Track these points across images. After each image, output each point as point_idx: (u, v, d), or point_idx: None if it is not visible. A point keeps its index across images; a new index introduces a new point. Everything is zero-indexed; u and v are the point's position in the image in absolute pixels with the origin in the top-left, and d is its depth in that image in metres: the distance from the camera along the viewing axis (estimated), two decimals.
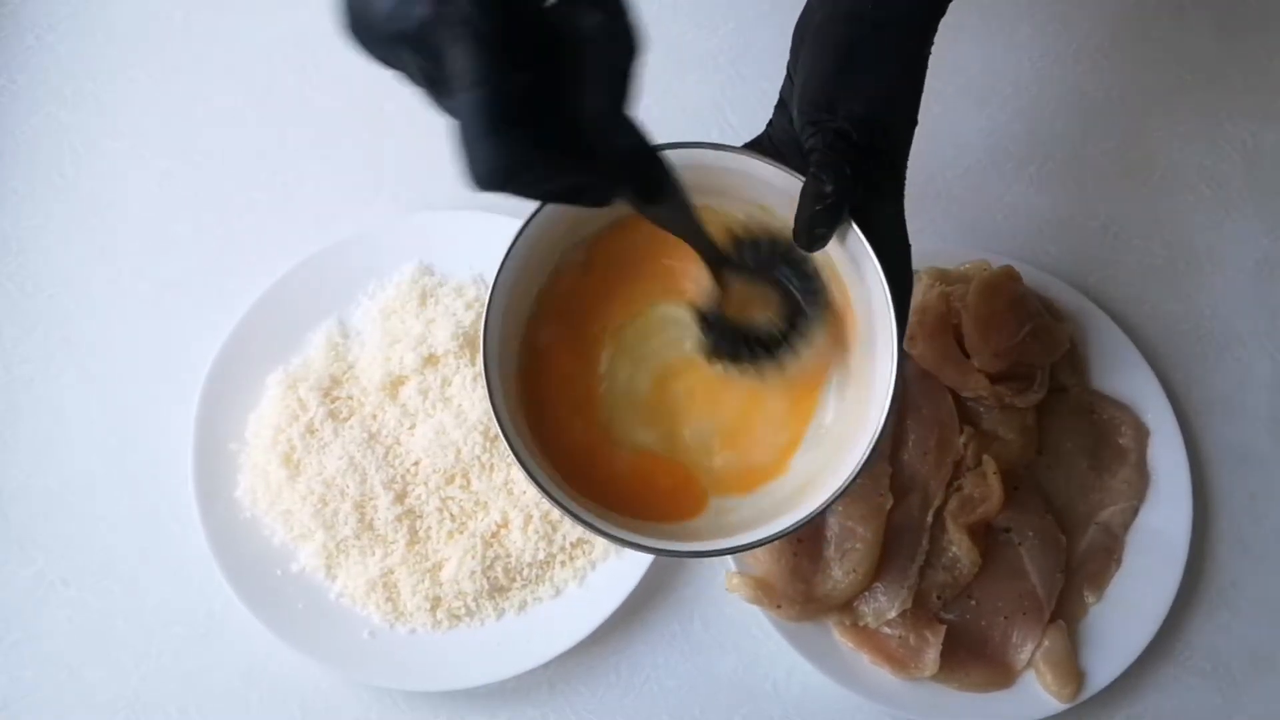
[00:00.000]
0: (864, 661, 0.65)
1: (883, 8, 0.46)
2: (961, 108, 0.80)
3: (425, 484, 0.67)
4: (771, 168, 0.46)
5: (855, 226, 0.45)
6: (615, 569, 0.67)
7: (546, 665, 0.65)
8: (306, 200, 0.76)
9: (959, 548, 0.67)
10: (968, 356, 0.69)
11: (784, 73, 0.51)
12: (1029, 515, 0.68)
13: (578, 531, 0.67)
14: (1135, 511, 0.70)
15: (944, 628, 0.66)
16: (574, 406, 0.49)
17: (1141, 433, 0.71)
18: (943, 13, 0.48)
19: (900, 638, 0.65)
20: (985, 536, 0.68)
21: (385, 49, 0.35)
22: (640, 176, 0.40)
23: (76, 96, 0.78)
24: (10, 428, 0.71)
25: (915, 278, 0.64)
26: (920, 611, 0.66)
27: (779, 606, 0.65)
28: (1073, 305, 0.73)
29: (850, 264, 0.46)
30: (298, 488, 0.67)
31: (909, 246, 0.48)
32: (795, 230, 0.45)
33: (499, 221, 0.71)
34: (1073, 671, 0.65)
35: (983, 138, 0.79)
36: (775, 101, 0.52)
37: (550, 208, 0.46)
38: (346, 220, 0.74)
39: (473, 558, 0.66)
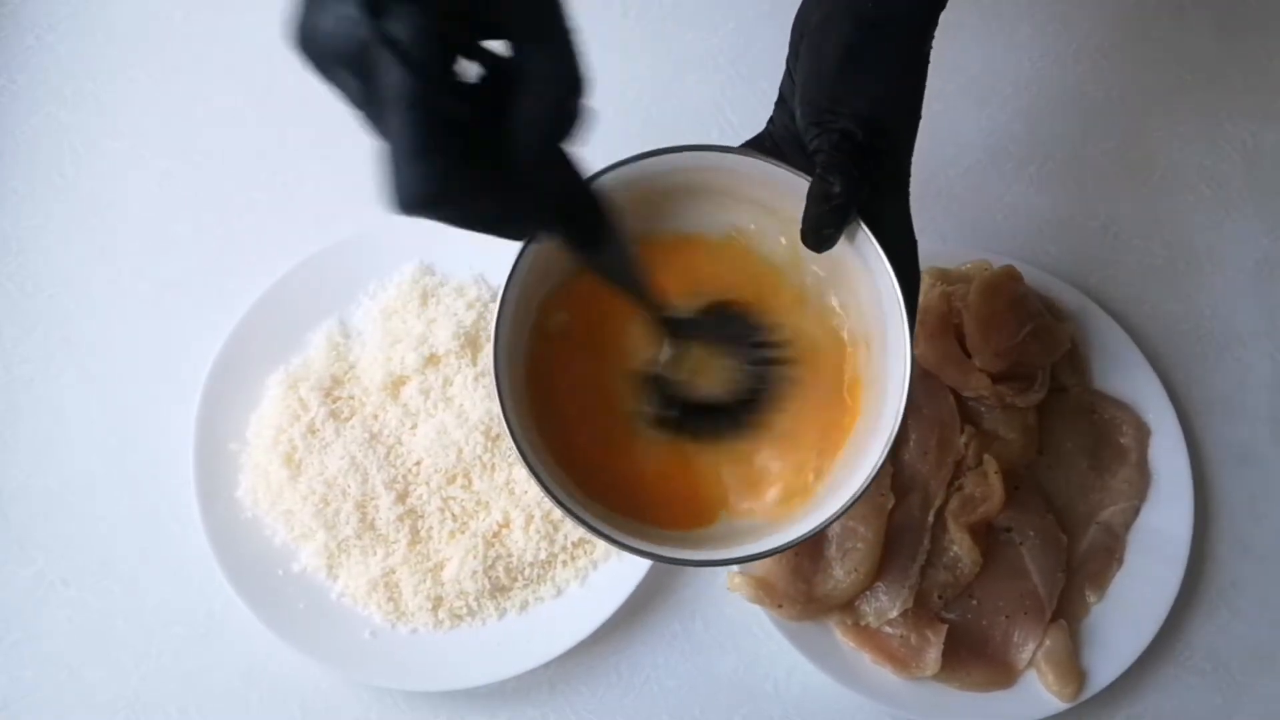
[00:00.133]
0: (865, 661, 0.65)
1: (883, 5, 0.46)
2: (961, 107, 0.80)
3: (427, 484, 0.67)
4: (776, 168, 0.45)
5: (863, 226, 0.45)
6: (617, 569, 0.67)
7: (547, 665, 0.65)
8: (306, 200, 0.76)
9: (960, 547, 0.67)
10: (969, 356, 0.69)
11: (783, 71, 0.51)
12: (1030, 515, 0.68)
13: (579, 531, 0.67)
14: (1136, 511, 0.70)
15: (945, 627, 0.66)
16: (583, 412, 0.49)
17: (1142, 432, 0.71)
18: (942, 7, 0.48)
19: (901, 637, 0.65)
20: (986, 536, 0.68)
21: (326, 66, 0.35)
22: (572, 218, 0.40)
23: (76, 96, 0.78)
24: (10, 428, 0.71)
25: None
26: (921, 611, 0.66)
27: (780, 606, 0.65)
28: (1073, 305, 0.73)
29: (859, 263, 0.46)
30: (299, 488, 0.67)
31: (915, 243, 0.48)
32: (803, 231, 0.45)
33: None
34: (1074, 671, 0.65)
35: (983, 138, 0.79)
36: (775, 100, 0.52)
37: None
38: (346, 220, 0.74)
39: (474, 557, 0.66)
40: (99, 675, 0.67)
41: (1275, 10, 0.84)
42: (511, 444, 0.43)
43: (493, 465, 0.68)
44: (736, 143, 0.49)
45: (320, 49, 0.35)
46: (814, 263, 0.49)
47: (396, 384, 0.69)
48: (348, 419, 0.69)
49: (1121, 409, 0.71)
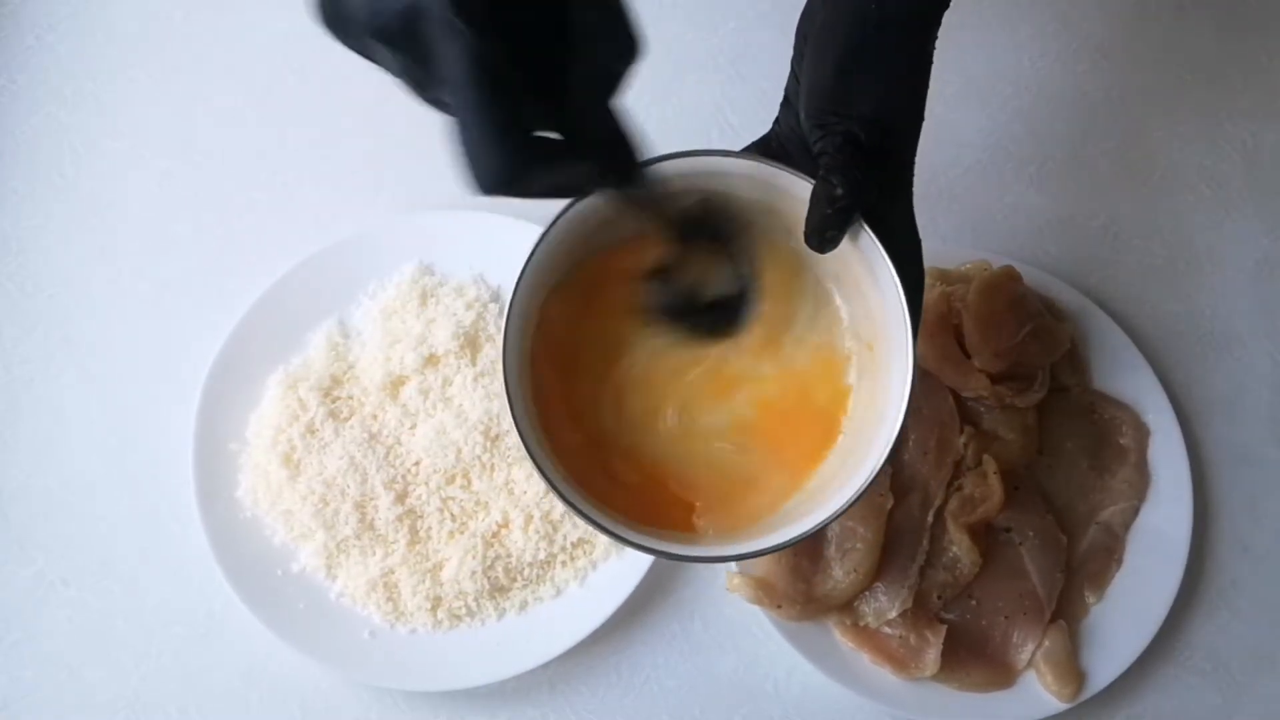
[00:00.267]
0: (864, 661, 0.65)
1: (886, 6, 0.46)
2: (961, 108, 0.80)
3: (426, 484, 0.67)
4: (780, 171, 0.45)
5: (866, 227, 0.45)
6: (616, 569, 0.67)
7: (547, 665, 0.65)
8: (306, 200, 0.76)
9: (959, 547, 0.67)
10: (968, 356, 0.69)
11: (785, 72, 0.51)
12: (1029, 515, 0.68)
13: (579, 531, 0.67)
14: (1136, 511, 0.70)
15: (944, 628, 0.66)
16: (580, 416, 0.49)
17: (1142, 432, 0.71)
18: (945, 7, 0.48)
19: (901, 637, 0.65)
20: (986, 536, 0.68)
21: (362, 43, 0.35)
22: (618, 165, 0.41)
23: (76, 96, 0.78)
24: (10, 428, 0.71)
25: None
26: (921, 611, 0.66)
27: (779, 606, 0.65)
28: (1073, 305, 0.73)
29: (863, 265, 0.46)
30: (298, 488, 0.67)
31: (919, 243, 0.48)
32: (806, 233, 0.45)
33: (500, 221, 0.71)
34: (1073, 671, 0.65)
35: (983, 138, 0.79)
36: (775, 101, 0.51)
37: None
38: (346, 220, 0.74)
39: (473, 558, 0.66)
40: (99, 675, 0.67)
41: (1275, 10, 0.84)
42: (518, 439, 0.43)
43: (492, 465, 0.68)
44: (737, 144, 0.49)
45: (355, 25, 0.34)
46: (818, 264, 0.49)
47: (396, 384, 0.70)
48: (347, 419, 0.69)
49: (1121, 409, 0.71)
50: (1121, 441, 0.71)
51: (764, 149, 0.49)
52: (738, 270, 0.49)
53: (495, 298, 0.72)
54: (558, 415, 0.48)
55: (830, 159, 0.44)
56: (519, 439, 0.43)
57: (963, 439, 0.68)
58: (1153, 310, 0.76)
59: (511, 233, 0.71)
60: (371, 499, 0.67)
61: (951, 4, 0.49)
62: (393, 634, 0.66)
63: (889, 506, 0.67)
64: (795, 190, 0.45)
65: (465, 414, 0.68)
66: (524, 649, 0.65)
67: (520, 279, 0.44)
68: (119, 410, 0.71)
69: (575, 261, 0.49)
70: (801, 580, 0.65)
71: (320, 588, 0.67)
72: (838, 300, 0.50)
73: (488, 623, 0.66)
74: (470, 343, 0.70)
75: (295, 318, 0.71)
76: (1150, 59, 0.82)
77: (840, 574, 0.65)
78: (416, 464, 0.68)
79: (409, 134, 0.75)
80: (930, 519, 0.67)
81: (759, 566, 0.66)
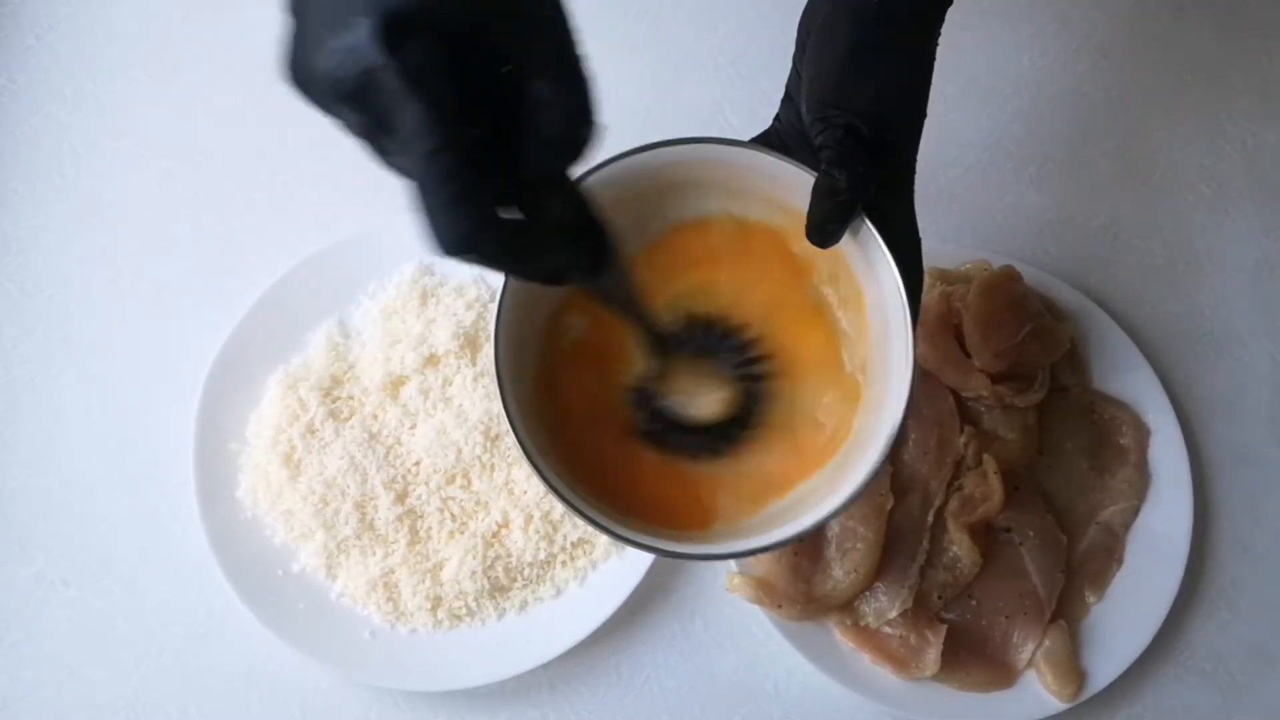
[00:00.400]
0: (865, 661, 0.65)
1: (889, 2, 0.46)
2: (961, 108, 0.80)
3: (426, 484, 0.67)
4: (783, 163, 0.45)
5: (868, 222, 0.45)
6: (616, 569, 0.67)
7: (547, 665, 0.65)
8: (306, 200, 0.76)
9: (960, 547, 0.67)
10: (968, 356, 0.69)
11: (785, 72, 0.51)
12: (1030, 515, 0.68)
13: (579, 531, 0.67)
14: (1136, 511, 0.70)
15: (945, 627, 0.66)
16: (587, 416, 0.49)
17: (1142, 432, 0.71)
18: (949, 4, 0.48)
19: (901, 637, 0.65)
20: (986, 536, 0.68)
21: (327, 102, 0.35)
22: (581, 248, 0.40)
23: (76, 96, 0.78)
24: (10, 428, 0.71)
25: None
26: (921, 611, 0.66)
27: (780, 606, 0.65)
28: (1073, 305, 0.73)
29: (863, 259, 0.46)
30: (298, 488, 0.67)
31: (919, 240, 0.47)
32: (807, 226, 0.45)
33: None
34: (1074, 671, 0.65)
35: (983, 138, 0.79)
36: (775, 101, 0.51)
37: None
38: (346, 220, 0.74)
39: (473, 558, 0.66)
40: (99, 675, 0.67)
41: (1275, 10, 0.84)
42: (514, 440, 0.43)
43: (492, 465, 0.68)
44: None
45: (322, 84, 0.34)
46: (818, 258, 0.49)
47: (396, 384, 0.69)
48: (347, 419, 0.69)
49: (1121, 409, 0.71)
50: (1121, 441, 0.71)
51: (765, 144, 0.49)
52: (737, 386, 0.48)
53: (495, 298, 0.72)
54: (566, 416, 0.48)
55: (832, 152, 0.44)
56: (514, 440, 0.43)
57: (963, 439, 0.68)
58: (1153, 310, 0.76)
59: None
60: (372, 499, 0.67)
61: (954, 4, 0.49)
62: (393, 634, 0.66)
63: (889, 506, 0.67)
64: (797, 182, 0.45)
65: (465, 414, 0.68)
66: (524, 649, 0.65)
67: (503, 295, 0.44)
68: (119, 410, 0.71)
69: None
70: (802, 580, 0.65)
71: (320, 588, 0.67)
72: (834, 302, 0.50)
73: (488, 623, 0.66)
74: (470, 343, 0.70)
75: (295, 318, 0.71)
76: (1150, 59, 0.82)
77: (840, 574, 0.65)
78: (417, 464, 0.68)
79: None
80: (930, 519, 0.67)
81: (759, 566, 0.66)
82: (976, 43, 0.81)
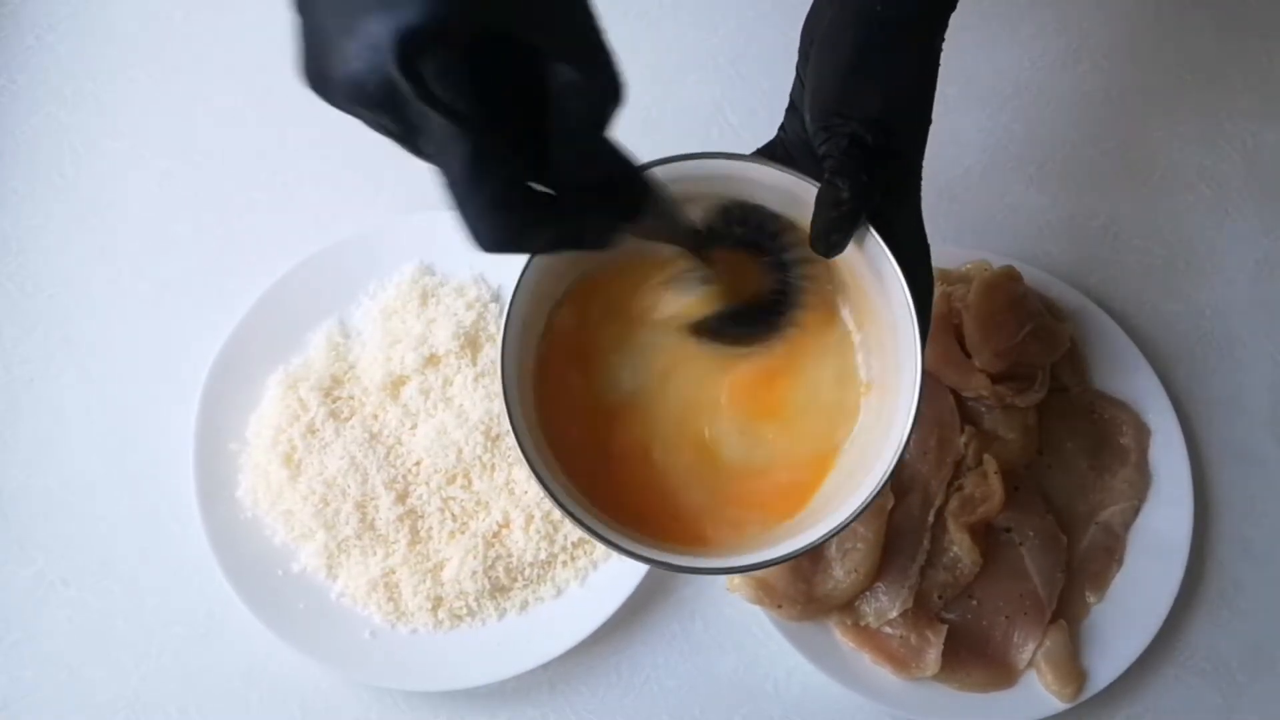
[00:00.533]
0: (865, 661, 0.65)
1: (892, 7, 0.46)
2: (961, 108, 0.80)
3: (426, 484, 0.67)
4: (786, 175, 0.45)
5: (873, 231, 0.44)
6: (616, 569, 0.67)
7: (547, 665, 0.65)
8: (306, 200, 0.76)
9: (960, 547, 0.67)
10: (968, 356, 0.69)
11: (785, 72, 0.51)
12: (1030, 515, 0.68)
13: (579, 532, 0.67)
14: (1136, 511, 0.70)
15: (945, 627, 0.66)
16: (586, 421, 0.49)
17: (1142, 432, 0.71)
18: (952, 9, 0.48)
19: (901, 637, 0.65)
20: (986, 536, 0.68)
21: (349, 106, 0.35)
22: (622, 201, 0.40)
23: (76, 96, 0.78)
24: (10, 428, 0.71)
25: None
26: (921, 611, 0.66)
27: (780, 606, 0.65)
28: (1073, 305, 0.73)
29: (870, 270, 0.46)
30: (299, 488, 0.67)
31: (928, 247, 0.47)
32: (812, 237, 0.44)
33: None
34: (1074, 671, 0.65)
35: (983, 138, 0.79)
36: (775, 101, 0.51)
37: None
38: (346, 220, 0.74)
39: (474, 558, 0.66)
40: (99, 675, 0.67)
41: (1275, 10, 0.84)
42: (515, 443, 0.43)
43: (492, 465, 0.68)
44: (737, 144, 0.49)
45: (342, 90, 0.34)
46: (823, 269, 0.48)
47: (396, 384, 0.69)
48: (347, 419, 0.69)
49: (1121, 409, 0.71)
50: (1122, 441, 0.71)
51: (769, 155, 0.49)
52: (776, 274, 0.48)
53: (495, 298, 0.72)
54: (567, 417, 0.48)
55: (835, 162, 0.44)
56: (517, 446, 0.43)
57: (963, 439, 0.68)
58: (1153, 310, 0.76)
59: None
60: (372, 499, 0.67)
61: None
62: (393, 634, 0.66)
63: (889, 506, 0.67)
64: (802, 194, 0.45)
65: (466, 414, 0.68)
66: (524, 649, 0.65)
67: (517, 287, 0.44)
68: (119, 410, 0.71)
69: (582, 272, 0.49)
70: (802, 580, 0.65)
71: (321, 588, 0.67)
72: (843, 310, 0.49)
73: (488, 623, 0.66)
74: (471, 343, 0.70)
75: (295, 318, 0.71)
76: (1150, 59, 0.82)
77: (841, 574, 0.65)
78: (417, 464, 0.68)
79: None
80: (931, 519, 0.67)
81: None
82: (976, 43, 0.81)
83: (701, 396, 0.48)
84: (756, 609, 0.65)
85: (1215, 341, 0.76)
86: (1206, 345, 0.76)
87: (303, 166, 0.76)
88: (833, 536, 0.43)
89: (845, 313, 0.49)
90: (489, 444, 0.68)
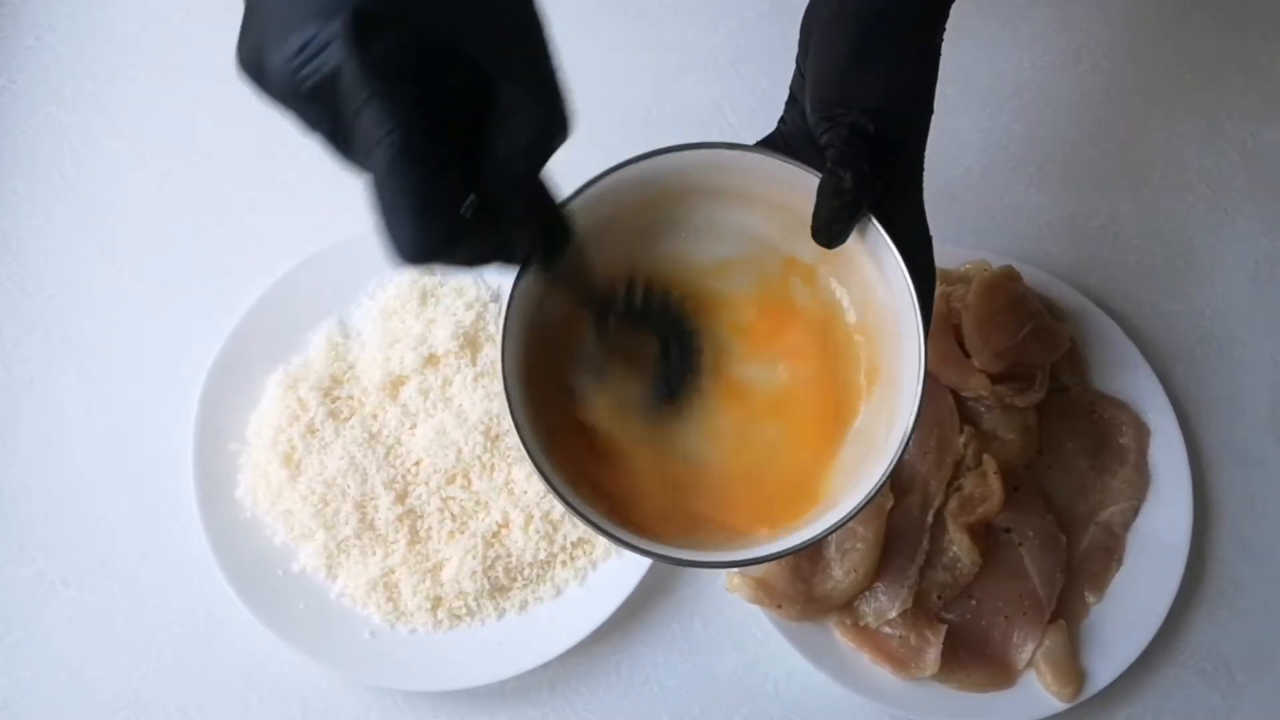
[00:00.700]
0: (864, 661, 0.65)
1: None
2: (961, 108, 0.80)
3: (426, 484, 0.67)
4: (788, 165, 0.45)
5: (875, 221, 0.44)
6: (616, 569, 0.67)
7: (547, 665, 0.65)
8: (306, 200, 0.76)
9: (959, 547, 0.67)
10: (968, 356, 0.69)
11: (785, 72, 0.51)
12: (1029, 515, 0.68)
13: (579, 531, 0.67)
14: (1136, 511, 0.70)
15: (944, 627, 0.66)
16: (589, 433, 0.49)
17: (1142, 432, 0.71)
18: (952, 0, 0.48)
19: (901, 637, 0.65)
20: (985, 536, 0.68)
21: (281, 97, 0.34)
22: (545, 238, 0.40)
23: (76, 96, 0.78)
24: (10, 428, 0.71)
25: None
26: (921, 611, 0.66)
27: (779, 606, 0.65)
28: (1073, 305, 0.73)
29: (872, 261, 0.46)
30: (298, 488, 0.67)
31: (930, 239, 0.47)
32: (814, 227, 0.45)
33: None
34: (1073, 671, 0.65)
35: (983, 138, 0.79)
36: (775, 101, 0.51)
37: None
38: (346, 220, 0.74)
39: (473, 557, 0.66)
40: (99, 675, 0.67)
41: (1275, 10, 0.84)
42: (518, 441, 0.43)
43: (492, 465, 0.68)
44: (740, 143, 0.49)
45: (278, 79, 0.33)
46: (825, 261, 0.48)
47: (396, 384, 0.70)
48: (347, 419, 0.69)
49: (1121, 409, 0.71)
50: (1121, 441, 0.71)
51: (770, 147, 0.49)
52: (680, 348, 0.48)
53: (495, 297, 0.72)
54: (565, 414, 0.48)
55: (837, 151, 0.44)
56: (519, 442, 0.43)
57: (963, 439, 0.68)
58: (1153, 310, 0.76)
59: None
60: (372, 499, 0.67)
61: (954, 4, 0.49)
62: (393, 634, 0.66)
63: (889, 506, 0.67)
64: (803, 184, 0.45)
65: (465, 414, 0.68)
66: (524, 649, 0.65)
67: (515, 289, 0.44)
68: (119, 410, 0.71)
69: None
70: (801, 580, 0.65)
71: (320, 588, 0.67)
72: (845, 303, 0.49)
73: (488, 623, 0.66)
74: (470, 343, 0.70)
75: (295, 318, 0.71)
76: (1150, 59, 0.82)
77: (840, 574, 0.65)
78: (417, 464, 0.68)
79: None
80: (930, 519, 0.67)
81: (759, 567, 0.66)
82: (976, 43, 0.81)
83: (699, 395, 0.48)
84: (756, 609, 0.65)
85: (1215, 341, 0.76)
86: (1206, 345, 0.76)
87: (303, 166, 0.76)
88: (837, 529, 0.43)
89: (847, 304, 0.49)
90: (488, 444, 0.68)
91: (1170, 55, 0.82)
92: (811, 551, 0.66)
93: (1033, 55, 0.82)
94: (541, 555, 0.66)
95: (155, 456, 0.70)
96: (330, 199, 0.75)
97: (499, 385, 0.44)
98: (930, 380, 0.68)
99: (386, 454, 0.68)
